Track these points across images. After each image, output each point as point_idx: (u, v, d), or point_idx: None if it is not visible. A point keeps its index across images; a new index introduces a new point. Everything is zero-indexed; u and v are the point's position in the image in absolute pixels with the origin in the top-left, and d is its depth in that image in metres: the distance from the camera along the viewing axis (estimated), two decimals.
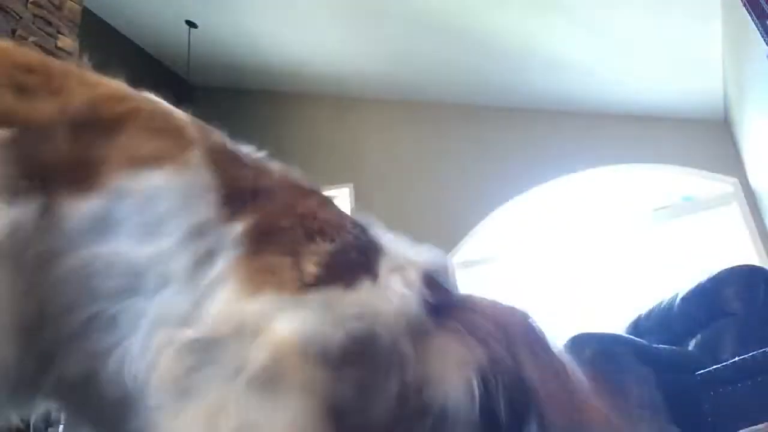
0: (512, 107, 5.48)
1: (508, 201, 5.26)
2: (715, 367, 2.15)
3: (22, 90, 0.70)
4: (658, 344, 2.62)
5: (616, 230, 4.87)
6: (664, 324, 3.00)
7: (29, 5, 3.27)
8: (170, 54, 6.24)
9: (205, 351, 0.58)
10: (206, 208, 0.69)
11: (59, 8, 3.44)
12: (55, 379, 0.62)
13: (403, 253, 0.74)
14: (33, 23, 3.27)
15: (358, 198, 5.93)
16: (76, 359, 0.62)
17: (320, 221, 0.73)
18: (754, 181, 4.35)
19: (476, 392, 0.64)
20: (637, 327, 3.22)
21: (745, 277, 2.68)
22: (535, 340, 0.69)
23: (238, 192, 0.73)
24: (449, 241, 5.34)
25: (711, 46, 4.01)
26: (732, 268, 2.80)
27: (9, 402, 0.63)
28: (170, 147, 0.73)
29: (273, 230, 0.70)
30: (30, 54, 0.81)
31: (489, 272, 5.23)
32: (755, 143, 3.98)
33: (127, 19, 5.78)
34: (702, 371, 2.16)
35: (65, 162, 0.67)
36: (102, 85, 0.80)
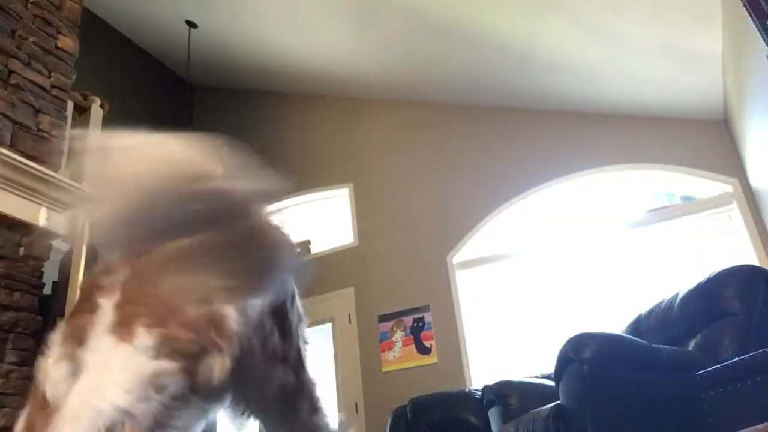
0: (512, 107, 5.48)
1: (507, 201, 5.26)
2: (715, 367, 2.15)
3: None
4: (658, 344, 2.62)
5: (616, 230, 4.87)
6: (664, 324, 3.00)
7: (29, 5, 3.27)
8: (170, 54, 6.25)
9: None
10: None
11: (59, 8, 3.45)
12: None
13: None
14: (33, 23, 3.27)
15: (358, 198, 5.93)
16: None
17: None
18: (754, 181, 4.35)
19: None
20: (637, 327, 3.22)
21: (745, 277, 2.68)
22: None
23: None
24: (449, 241, 5.35)
25: (711, 46, 4.01)
26: (732, 268, 2.79)
27: None
28: None
29: None
30: None
31: (489, 272, 5.23)
32: (755, 143, 3.98)
33: (127, 19, 5.78)
34: (702, 371, 2.16)
35: None
36: None
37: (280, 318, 0.84)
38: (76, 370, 0.76)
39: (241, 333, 0.73)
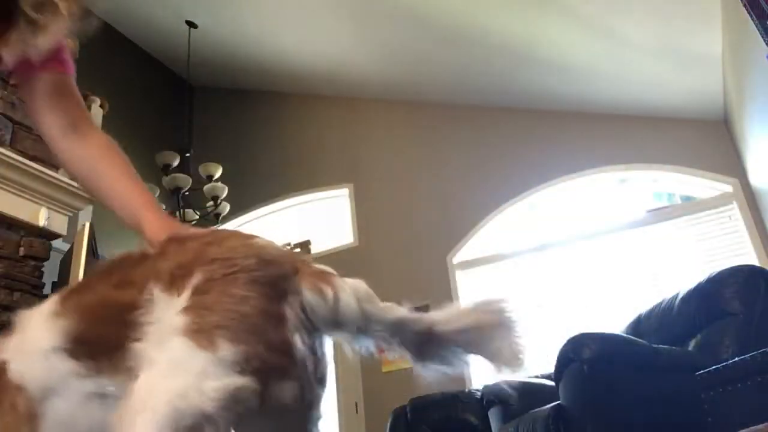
0: (512, 107, 5.48)
1: (507, 201, 5.26)
2: (715, 367, 2.15)
3: None
4: (658, 344, 2.62)
5: (616, 230, 4.87)
6: (664, 324, 3.00)
7: None
8: (170, 54, 6.25)
9: None
10: None
11: None
12: None
13: None
14: None
15: (358, 198, 5.93)
16: None
17: None
18: (754, 181, 4.35)
19: None
20: (637, 327, 3.22)
21: (745, 277, 2.68)
22: None
23: None
24: (449, 241, 5.35)
25: (711, 46, 4.01)
26: (732, 268, 2.79)
27: None
28: None
29: None
30: None
31: (489, 272, 5.23)
32: (755, 143, 3.98)
33: (126, 19, 5.78)
34: (702, 371, 2.16)
35: None
36: None
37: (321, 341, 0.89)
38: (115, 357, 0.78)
39: (305, 357, 0.80)
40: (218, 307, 0.75)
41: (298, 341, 0.78)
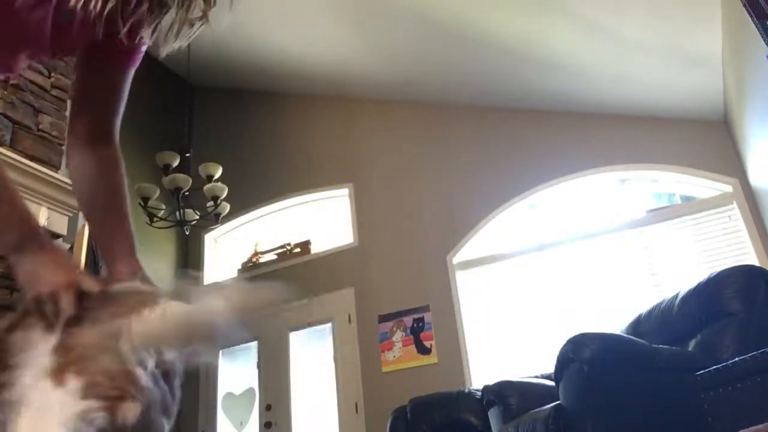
0: (512, 108, 5.48)
1: (507, 201, 5.26)
2: (715, 367, 2.15)
3: None
4: (658, 344, 2.63)
5: (616, 230, 4.87)
6: (664, 324, 3.00)
7: None
8: (170, 54, 6.24)
9: None
10: None
11: None
12: None
13: None
14: None
15: (358, 198, 5.93)
16: None
17: None
18: (754, 181, 4.35)
19: None
20: (637, 327, 3.22)
21: (745, 277, 2.68)
22: None
23: None
24: (449, 241, 5.35)
25: (711, 46, 4.01)
26: (731, 269, 2.80)
27: None
28: None
29: None
30: None
31: (489, 272, 5.23)
32: (755, 143, 3.98)
33: None
34: (702, 371, 2.16)
35: None
36: None
37: (170, 378, 1.03)
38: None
39: (148, 387, 0.93)
40: (73, 347, 0.89)
41: (138, 370, 0.91)
